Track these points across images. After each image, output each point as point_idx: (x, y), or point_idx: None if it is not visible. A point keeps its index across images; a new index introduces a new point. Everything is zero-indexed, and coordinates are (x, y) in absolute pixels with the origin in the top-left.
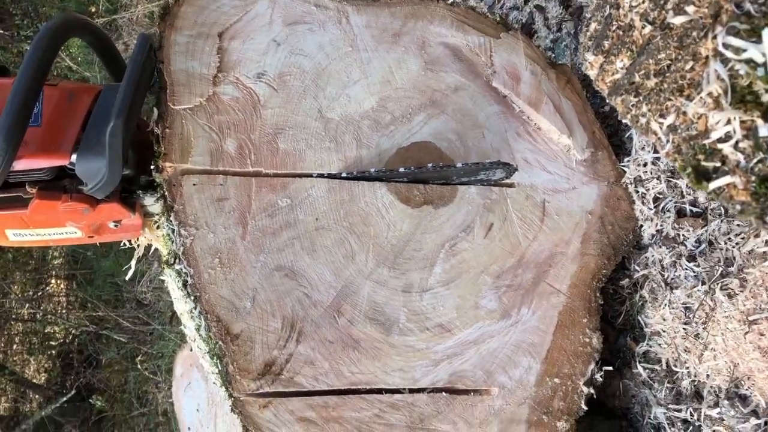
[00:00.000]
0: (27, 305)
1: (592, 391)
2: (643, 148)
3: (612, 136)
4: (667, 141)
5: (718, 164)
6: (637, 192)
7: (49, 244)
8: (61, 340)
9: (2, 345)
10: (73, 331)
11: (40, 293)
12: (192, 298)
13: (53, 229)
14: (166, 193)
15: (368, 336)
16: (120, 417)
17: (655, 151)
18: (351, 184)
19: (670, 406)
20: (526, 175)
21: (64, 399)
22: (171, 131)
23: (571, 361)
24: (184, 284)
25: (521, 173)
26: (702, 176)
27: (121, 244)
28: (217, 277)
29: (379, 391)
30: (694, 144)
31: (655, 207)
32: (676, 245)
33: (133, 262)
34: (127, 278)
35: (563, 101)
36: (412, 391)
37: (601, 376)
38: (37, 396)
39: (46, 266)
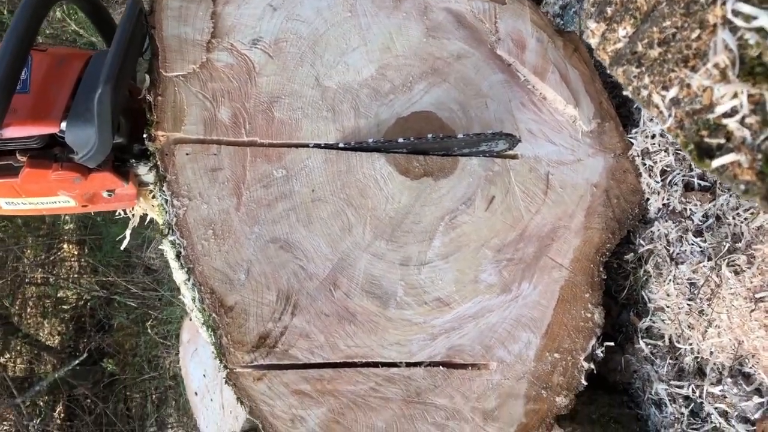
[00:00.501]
0: (40, 270)
1: (593, 366)
2: (651, 120)
3: (620, 107)
4: (669, 115)
5: (723, 141)
6: (644, 165)
7: (43, 213)
8: (74, 304)
9: (17, 308)
10: (85, 296)
11: (52, 258)
12: (185, 269)
13: (45, 198)
14: (159, 163)
15: (365, 309)
16: (130, 380)
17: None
18: (348, 155)
19: (672, 382)
20: (530, 146)
21: (76, 362)
22: (163, 99)
23: (572, 336)
24: (178, 255)
25: (525, 144)
26: (705, 153)
27: (117, 213)
28: (210, 249)
29: (376, 365)
30: (697, 119)
31: (662, 180)
32: (683, 220)
33: (127, 232)
34: (122, 248)
35: (570, 70)
36: (408, 364)
37: (602, 352)
38: (50, 358)
39: (58, 231)
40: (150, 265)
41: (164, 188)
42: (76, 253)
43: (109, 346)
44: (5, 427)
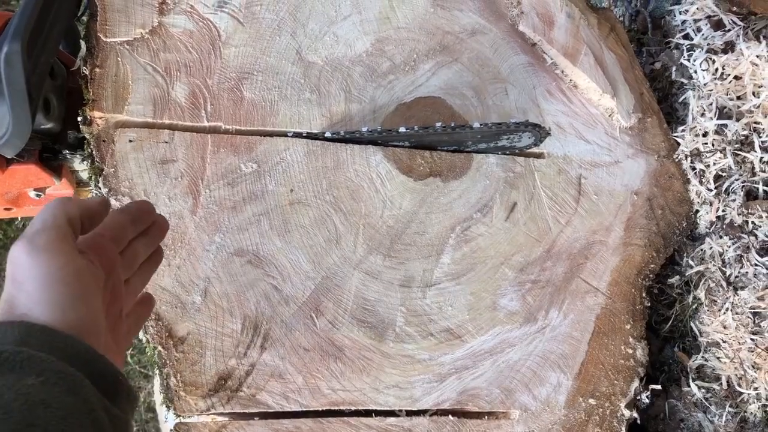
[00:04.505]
0: None
1: (635, 414)
2: (702, 115)
3: (661, 102)
4: None
5: None
6: (694, 169)
7: None
8: None
9: None
10: None
11: None
12: None
13: None
14: (94, 152)
15: (355, 342)
16: None
17: (720, 117)
18: (337, 147)
19: None
20: (558, 143)
21: None
22: (102, 71)
23: (611, 377)
24: None
25: (553, 141)
26: None
27: None
28: None
29: (369, 414)
30: None
31: (716, 187)
32: (744, 235)
33: None
34: None
35: (606, 53)
36: (410, 413)
37: (647, 397)
38: None
39: None
40: None
41: (100, 184)
42: None
43: None
44: None
